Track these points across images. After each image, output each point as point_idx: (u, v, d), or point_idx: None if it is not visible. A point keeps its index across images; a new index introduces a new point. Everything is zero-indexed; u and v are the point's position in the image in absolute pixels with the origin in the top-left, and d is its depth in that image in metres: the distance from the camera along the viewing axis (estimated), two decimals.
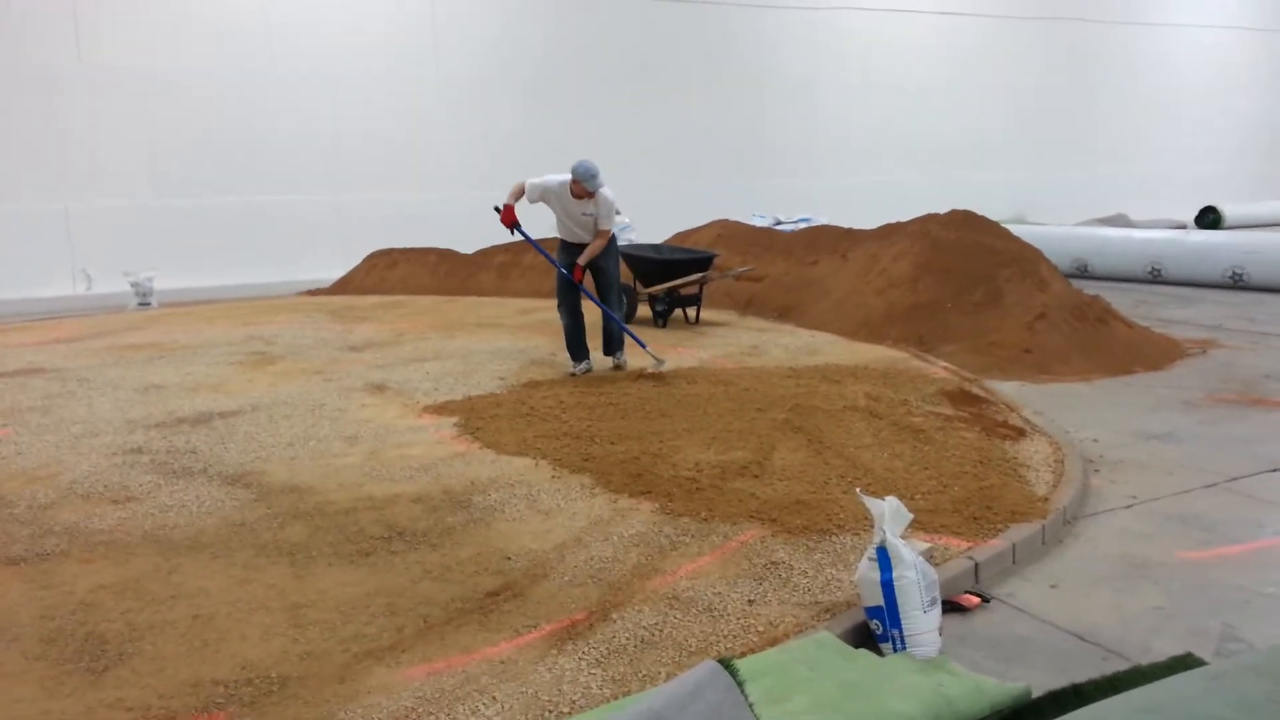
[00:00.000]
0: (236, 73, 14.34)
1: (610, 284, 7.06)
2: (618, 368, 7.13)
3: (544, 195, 6.73)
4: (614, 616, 3.33)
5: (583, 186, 6.50)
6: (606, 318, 7.10)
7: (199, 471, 4.84)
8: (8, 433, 5.55)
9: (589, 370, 7.06)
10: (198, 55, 14.06)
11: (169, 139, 13.93)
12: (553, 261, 6.99)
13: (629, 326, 7.31)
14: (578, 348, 7.07)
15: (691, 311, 9.38)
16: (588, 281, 6.98)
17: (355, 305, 11.09)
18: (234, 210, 14.40)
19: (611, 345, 7.16)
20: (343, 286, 13.03)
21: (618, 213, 6.97)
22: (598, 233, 6.73)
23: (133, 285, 11.72)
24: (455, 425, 5.67)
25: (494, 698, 2.84)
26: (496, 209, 6.79)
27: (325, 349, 8.13)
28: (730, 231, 11.82)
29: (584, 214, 6.69)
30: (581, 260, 6.74)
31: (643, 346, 7.10)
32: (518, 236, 6.95)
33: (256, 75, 14.50)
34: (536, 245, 7.25)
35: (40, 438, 5.44)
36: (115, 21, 13.54)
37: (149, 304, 11.68)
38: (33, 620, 3.30)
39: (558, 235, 7.02)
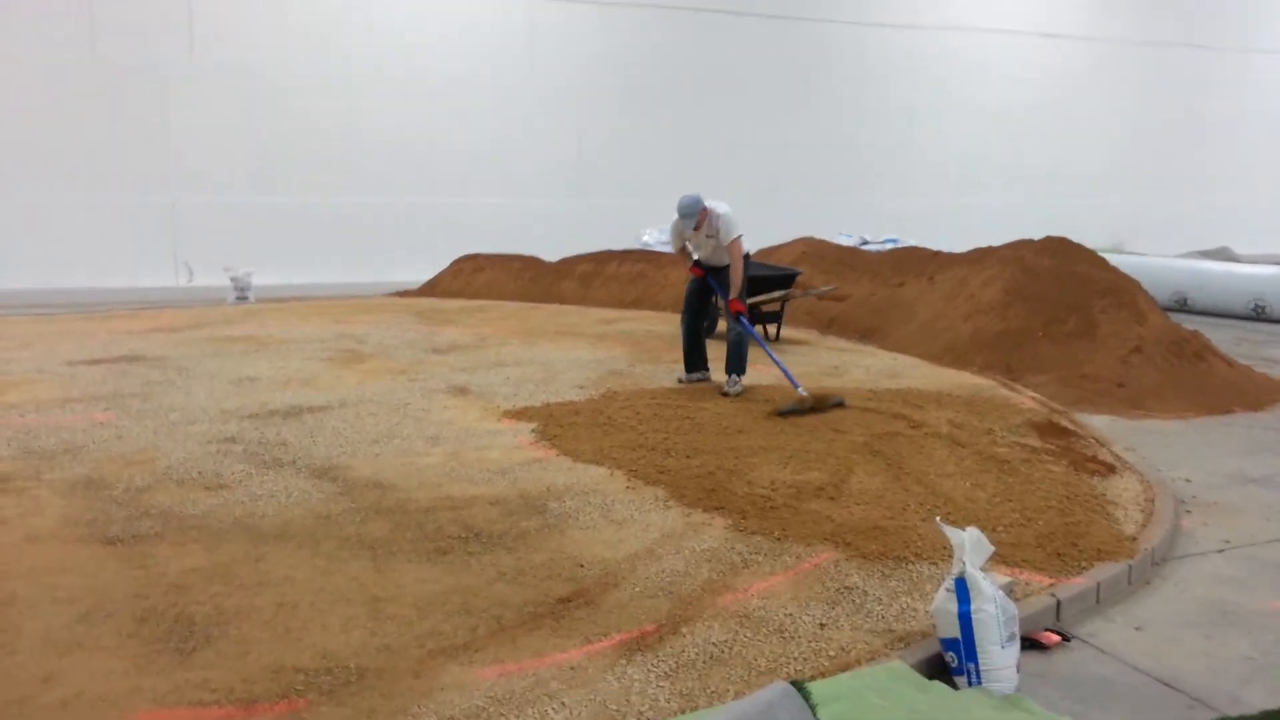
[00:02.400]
0: (338, 76, 14.86)
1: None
2: (724, 394, 6.76)
3: (681, 238, 6.92)
4: (684, 631, 3.33)
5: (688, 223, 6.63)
6: (734, 336, 6.83)
7: (288, 463, 5.00)
8: (109, 417, 5.82)
9: (702, 380, 7.15)
10: (304, 57, 14.60)
11: (272, 138, 14.49)
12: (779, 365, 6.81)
13: (780, 359, 6.93)
14: (694, 358, 7.22)
15: (772, 329, 9.33)
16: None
17: (441, 308, 11.32)
18: (329, 210, 14.89)
19: (729, 365, 6.83)
20: (430, 289, 13.32)
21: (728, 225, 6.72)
22: (729, 249, 6.69)
23: (232, 280, 12.18)
24: (533, 431, 5.74)
25: (563, 703, 2.87)
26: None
27: (411, 350, 8.32)
28: (815, 249, 11.74)
29: (707, 237, 6.77)
30: (734, 295, 6.73)
31: (793, 383, 6.50)
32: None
33: (357, 79, 14.99)
34: (756, 338, 7.06)
35: (139, 423, 5.69)
36: (229, 22, 14.15)
37: (247, 299, 12.12)
38: (127, 598, 3.45)
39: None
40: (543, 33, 16.15)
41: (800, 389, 6.38)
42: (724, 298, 6.85)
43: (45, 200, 13.40)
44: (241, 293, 12.18)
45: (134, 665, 3.02)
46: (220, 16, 14.09)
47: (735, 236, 6.66)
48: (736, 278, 6.71)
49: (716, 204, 6.69)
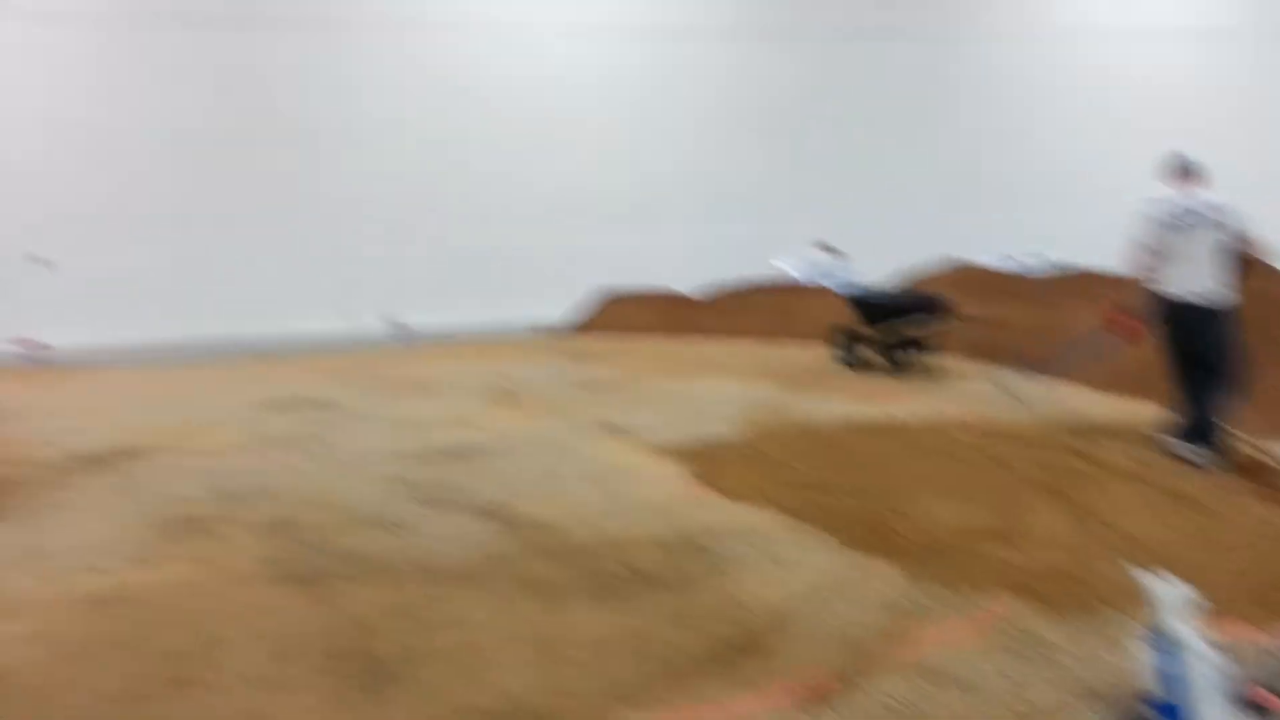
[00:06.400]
0: (481, 123, 15.47)
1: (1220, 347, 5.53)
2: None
3: (1162, 226, 5.61)
4: (860, 682, 3.24)
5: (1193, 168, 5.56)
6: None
7: (457, 503, 5.15)
8: (291, 459, 6.14)
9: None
10: (449, 107, 15.31)
11: (422, 186, 15.21)
12: None
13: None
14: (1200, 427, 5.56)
15: (923, 358, 9.08)
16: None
17: (588, 345, 11.52)
18: (478, 251, 15.46)
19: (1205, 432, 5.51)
20: (577, 326, 13.59)
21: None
22: (1243, 239, 5.42)
23: (390, 323, 12.75)
24: (688, 469, 5.74)
25: None
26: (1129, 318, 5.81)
27: (561, 388, 8.49)
28: (965, 273, 11.39)
29: (1205, 228, 5.48)
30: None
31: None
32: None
33: (498, 126, 15.57)
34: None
35: (319, 465, 5.98)
36: (368, 77, 15.05)
37: (405, 340, 12.66)
38: (319, 637, 3.61)
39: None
40: (672, 65, 16.41)
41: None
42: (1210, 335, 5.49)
43: (217, 253, 14.45)
44: (400, 335, 12.74)
45: (329, 704, 3.16)
46: (363, 73, 15.01)
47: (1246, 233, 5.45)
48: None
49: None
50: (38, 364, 11.51)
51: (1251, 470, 5.58)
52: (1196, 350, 5.62)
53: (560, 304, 14.43)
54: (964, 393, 7.99)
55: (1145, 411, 7.17)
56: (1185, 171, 5.77)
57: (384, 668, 3.38)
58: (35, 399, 8.38)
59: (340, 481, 5.60)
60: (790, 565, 4.24)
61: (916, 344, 9.02)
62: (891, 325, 8.86)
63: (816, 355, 9.93)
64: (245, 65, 14.54)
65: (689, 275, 14.06)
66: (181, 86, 14.35)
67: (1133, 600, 3.71)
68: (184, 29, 14.28)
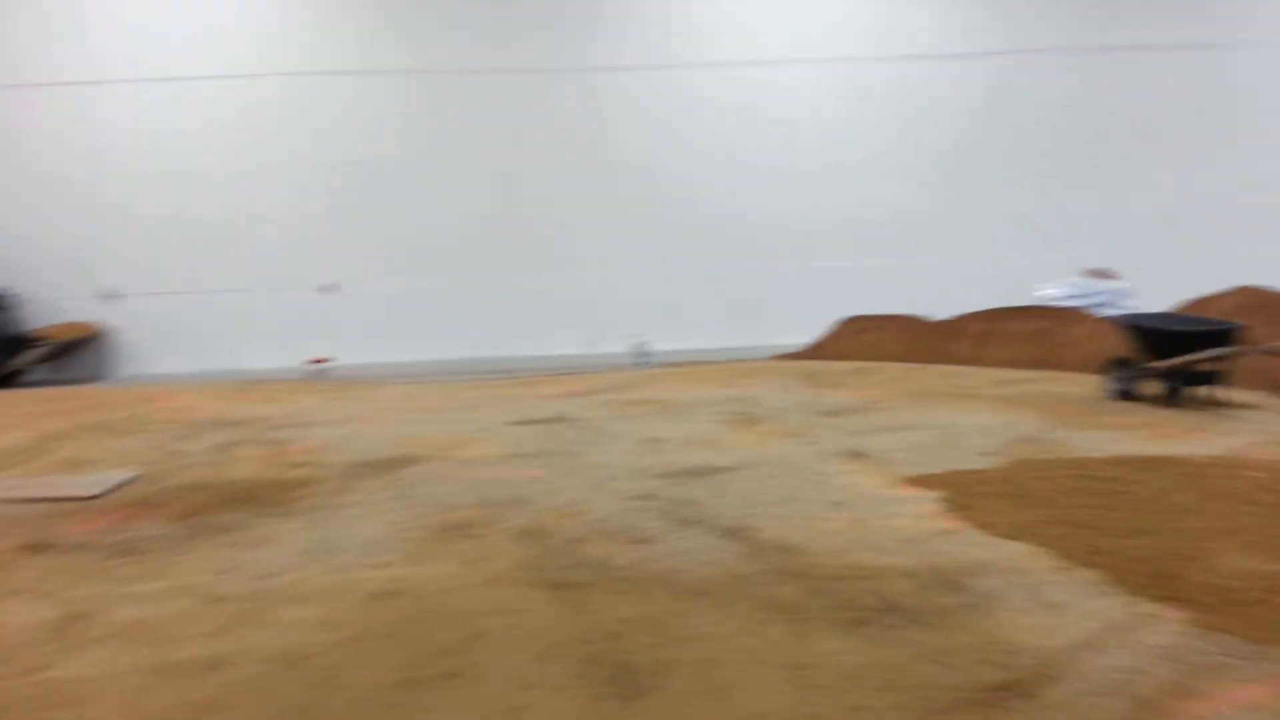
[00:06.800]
0: (723, 161, 15.77)
1: None
2: None
3: None
4: None
5: None
6: None
7: (699, 521, 5.20)
8: (543, 473, 6.45)
9: None
10: (694, 148, 15.73)
11: (666, 219, 15.68)
12: None
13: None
14: None
15: (1212, 391, 8.16)
16: None
17: (827, 370, 11.32)
18: (716, 279, 15.70)
19: None
20: (814, 351, 13.41)
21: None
22: None
23: (633, 346, 13.16)
24: (939, 500, 5.48)
25: None
26: None
27: (802, 412, 8.38)
28: (1257, 299, 10.20)
29: None
30: None
31: None
32: None
33: (738, 163, 15.79)
34: None
35: (568, 478, 6.25)
36: (629, 122, 15.70)
37: (646, 363, 13.01)
38: (572, 642, 3.74)
39: None
40: (925, 95, 15.93)
41: None
42: None
43: (481, 280, 15.55)
44: (641, 358, 13.10)
45: (586, 707, 3.25)
46: (623, 120, 15.68)
47: None
48: None
49: None
50: (328, 379, 12.84)
51: None
52: None
53: (802, 330, 14.34)
54: (1260, 429, 7.12)
55: None
56: None
57: (635, 677, 3.43)
58: (326, 410, 9.32)
59: (589, 494, 5.80)
60: (1060, 608, 3.92)
61: (1205, 376, 8.11)
62: (1179, 356, 8.01)
63: (1082, 386, 9.21)
64: (516, 107, 15.60)
65: (936, 304, 13.53)
66: (442, 128, 15.62)
67: None
68: (465, 75, 15.54)
